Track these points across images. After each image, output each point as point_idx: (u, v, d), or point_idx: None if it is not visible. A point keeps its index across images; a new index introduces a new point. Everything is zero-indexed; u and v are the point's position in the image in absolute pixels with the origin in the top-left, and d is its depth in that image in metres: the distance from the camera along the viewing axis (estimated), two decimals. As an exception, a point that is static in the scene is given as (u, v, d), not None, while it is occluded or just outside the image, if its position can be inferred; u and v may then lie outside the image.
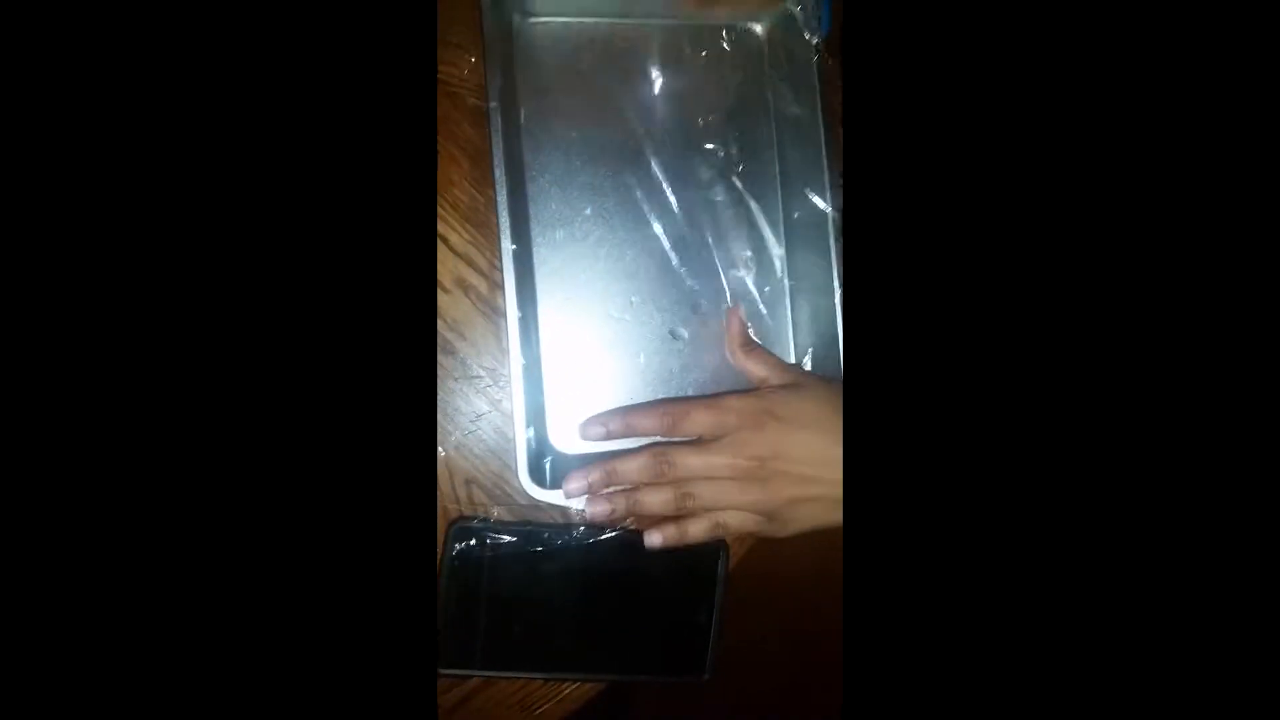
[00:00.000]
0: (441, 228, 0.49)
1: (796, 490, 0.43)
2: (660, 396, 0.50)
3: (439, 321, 0.48)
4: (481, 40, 0.47)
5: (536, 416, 0.47)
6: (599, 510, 0.44)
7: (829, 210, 0.48)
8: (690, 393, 0.51)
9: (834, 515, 0.43)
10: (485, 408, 0.49)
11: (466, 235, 0.49)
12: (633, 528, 0.48)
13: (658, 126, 0.51)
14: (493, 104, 0.45)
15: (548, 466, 0.47)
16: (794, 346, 0.53)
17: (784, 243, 0.53)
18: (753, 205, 0.52)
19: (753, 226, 0.52)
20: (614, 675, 0.49)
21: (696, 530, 0.44)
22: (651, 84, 0.51)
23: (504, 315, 0.48)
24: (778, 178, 0.53)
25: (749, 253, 0.52)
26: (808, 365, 0.51)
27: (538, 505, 0.48)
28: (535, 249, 0.49)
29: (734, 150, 0.52)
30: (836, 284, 0.48)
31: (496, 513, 0.48)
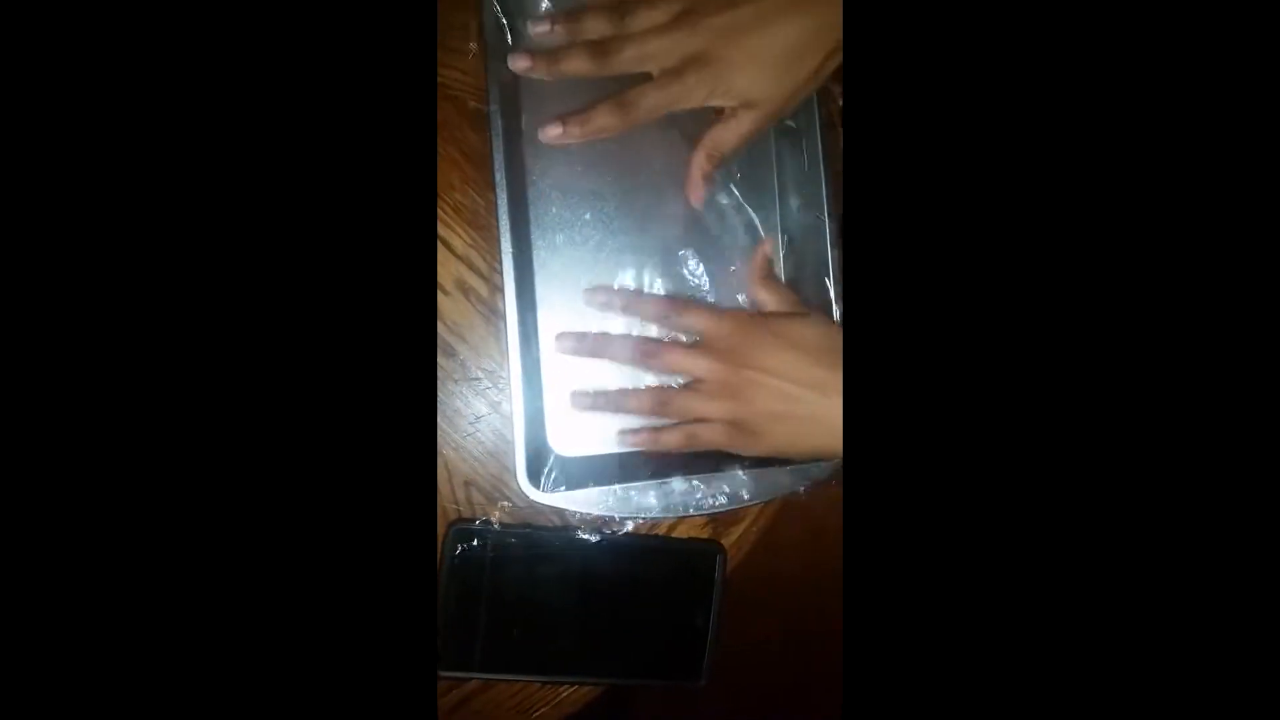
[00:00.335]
0: (444, 231, 0.49)
1: (773, 404, 0.43)
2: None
3: (439, 324, 0.48)
4: (483, 44, 0.47)
5: (535, 419, 0.47)
6: (581, 402, 0.46)
7: (825, 218, 0.48)
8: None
9: (809, 441, 0.43)
10: (484, 410, 0.49)
11: (468, 238, 0.49)
12: (623, 523, 0.48)
13: (658, 132, 0.51)
14: (493, 108, 0.46)
15: (547, 469, 0.47)
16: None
17: (783, 249, 0.53)
18: (751, 213, 0.52)
19: (750, 232, 0.52)
20: (611, 679, 0.49)
21: (670, 439, 0.45)
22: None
23: (504, 318, 0.48)
24: (775, 186, 0.53)
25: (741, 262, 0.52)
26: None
27: (537, 508, 0.48)
28: (536, 252, 0.49)
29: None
30: (832, 291, 0.48)
31: (496, 515, 0.48)
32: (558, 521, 0.49)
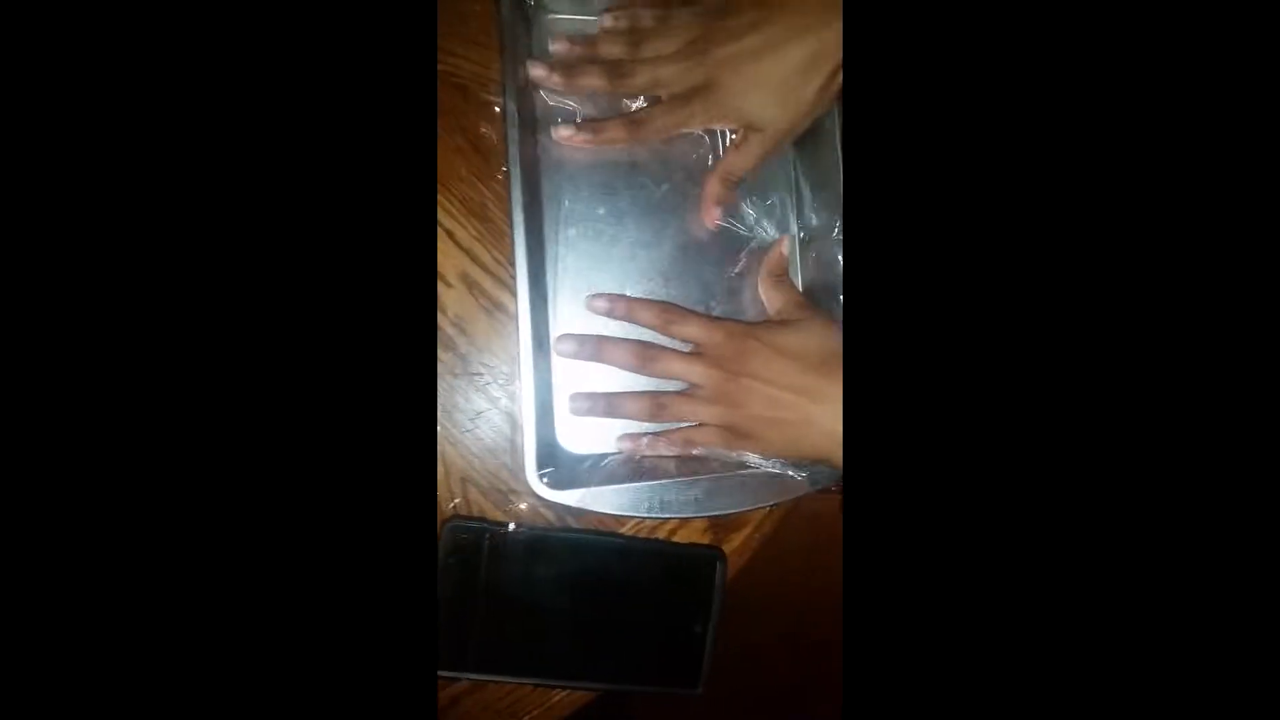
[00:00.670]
0: (448, 222, 0.48)
1: (765, 410, 0.44)
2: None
3: (440, 316, 0.48)
4: (499, 34, 0.47)
5: (543, 416, 0.46)
6: (579, 405, 0.47)
7: (838, 220, 0.48)
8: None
9: (801, 444, 0.44)
10: (484, 405, 0.48)
11: (473, 230, 0.48)
12: (623, 524, 0.48)
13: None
14: (509, 99, 0.45)
15: (553, 466, 0.46)
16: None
17: (798, 244, 0.52)
18: (765, 207, 0.51)
19: (767, 230, 0.51)
20: (605, 684, 0.48)
21: (666, 443, 0.46)
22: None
23: (508, 312, 0.48)
24: (794, 181, 0.52)
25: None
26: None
27: (536, 506, 0.47)
28: (547, 246, 0.49)
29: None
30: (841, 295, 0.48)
31: (493, 513, 0.47)
32: (556, 521, 0.48)
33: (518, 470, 0.45)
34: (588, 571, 0.46)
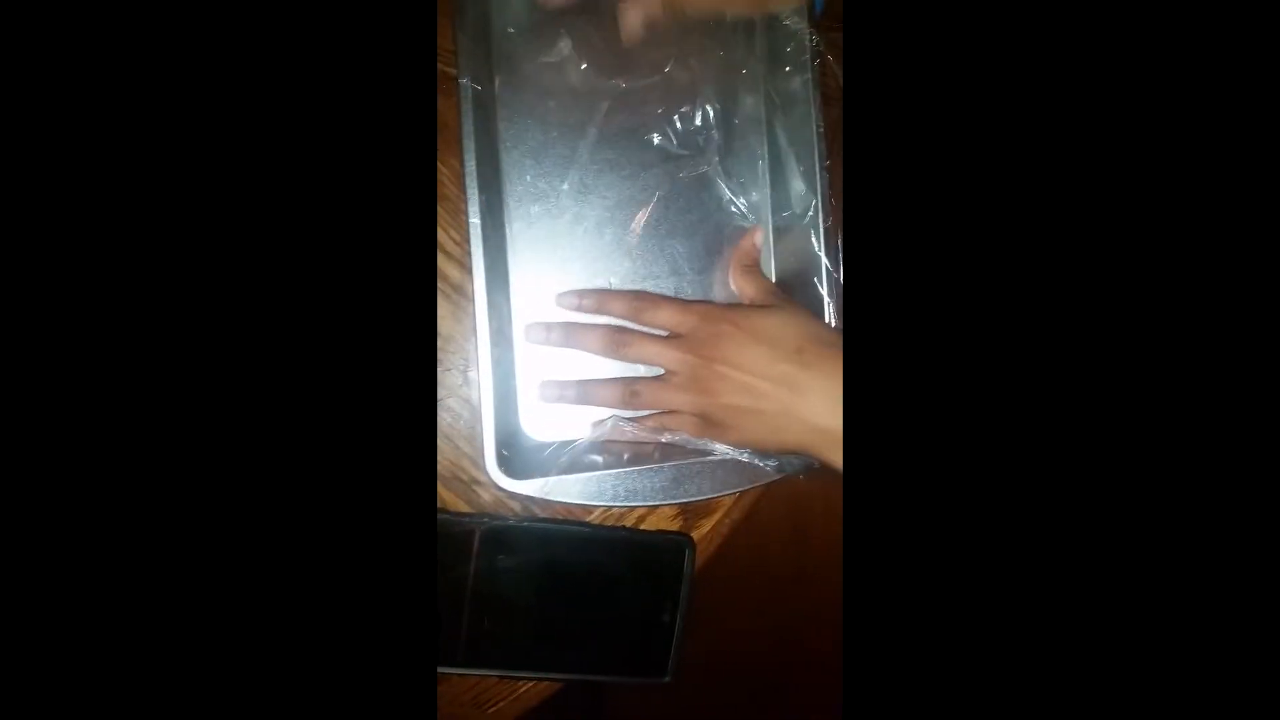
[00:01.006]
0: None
1: (737, 398, 0.42)
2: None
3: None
4: (452, 2, 0.44)
5: (504, 404, 0.45)
6: (549, 393, 0.46)
7: (816, 197, 0.46)
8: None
9: (778, 436, 0.43)
10: (441, 393, 0.46)
11: (431, 209, 0.46)
12: (590, 513, 0.46)
13: (641, 99, 0.48)
14: (463, 71, 0.43)
15: (515, 456, 0.45)
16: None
17: (770, 224, 0.50)
18: (736, 184, 0.49)
19: (736, 202, 0.49)
20: (573, 674, 0.47)
21: (639, 431, 0.45)
22: (636, 54, 0.48)
23: (467, 295, 0.46)
24: (765, 159, 0.50)
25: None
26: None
27: (500, 495, 0.46)
28: (508, 225, 0.47)
29: (719, 128, 0.49)
30: (824, 262, 0.46)
31: (456, 504, 0.46)
32: (520, 510, 0.46)
33: (479, 460, 0.44)
34: (554, 562, 0.45)
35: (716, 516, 0.48)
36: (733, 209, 0.49)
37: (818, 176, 0.46)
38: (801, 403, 0.41)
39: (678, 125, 0.48)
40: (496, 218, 0.46)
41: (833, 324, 0.46)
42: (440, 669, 0.45)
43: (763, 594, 0.60)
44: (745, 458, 0.43)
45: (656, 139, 0.48)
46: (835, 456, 0.40)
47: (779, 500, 0.48)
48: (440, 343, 0.46)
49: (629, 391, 0.45)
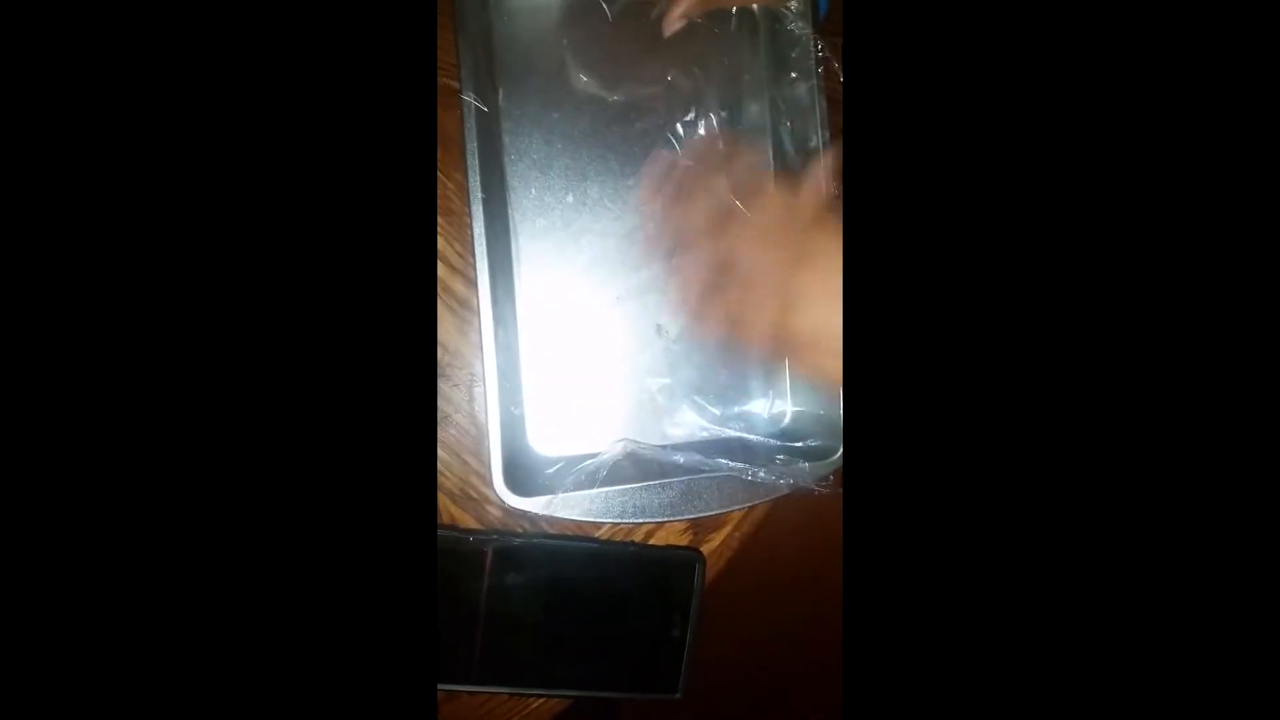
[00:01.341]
0: (409, 214, 0.46)
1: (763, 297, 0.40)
2: (645, 393, 0.48)
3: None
4: (454, 15, 0.44)
5: (511, 420, 0.45)
6: (649, 179, 0.45)
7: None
8: (677, 393, 0.48)
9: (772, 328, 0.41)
10: (448, 409, 0.46)
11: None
12: (599, 529, 0.46)
13: (646, 108, 0.48)
14: (467, 83, 0.42)
15: (522, 472, 0.44)
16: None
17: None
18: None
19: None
20: (583, 691, 0.46)
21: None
22: (639, 63, 0.48)
23: (473, 309, 0.45)
24: (771, 165, 0.50)
25: None
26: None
27: (509, 512, 0.45)
28: (513, 238, 0.46)
29: (723, 135, 0.49)
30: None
31: (465, 521, 0.46)
32: (529, 527, 0.46)
33: (487, 476, 0.43)
34: (565, 579, 0.45)
35: (726, 531, 0.48)
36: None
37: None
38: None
39: (681, 133, 0.48)
40: (501, 231, 0.45)
41: None
42: (452, 686, 0.44)
43: (772, 608, 0.59)
44: (750, 476, 0.43)
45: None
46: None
47: (788, 514, 0.47)
48: (447, 357, 0.46)
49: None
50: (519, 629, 0.45)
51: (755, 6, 0.48)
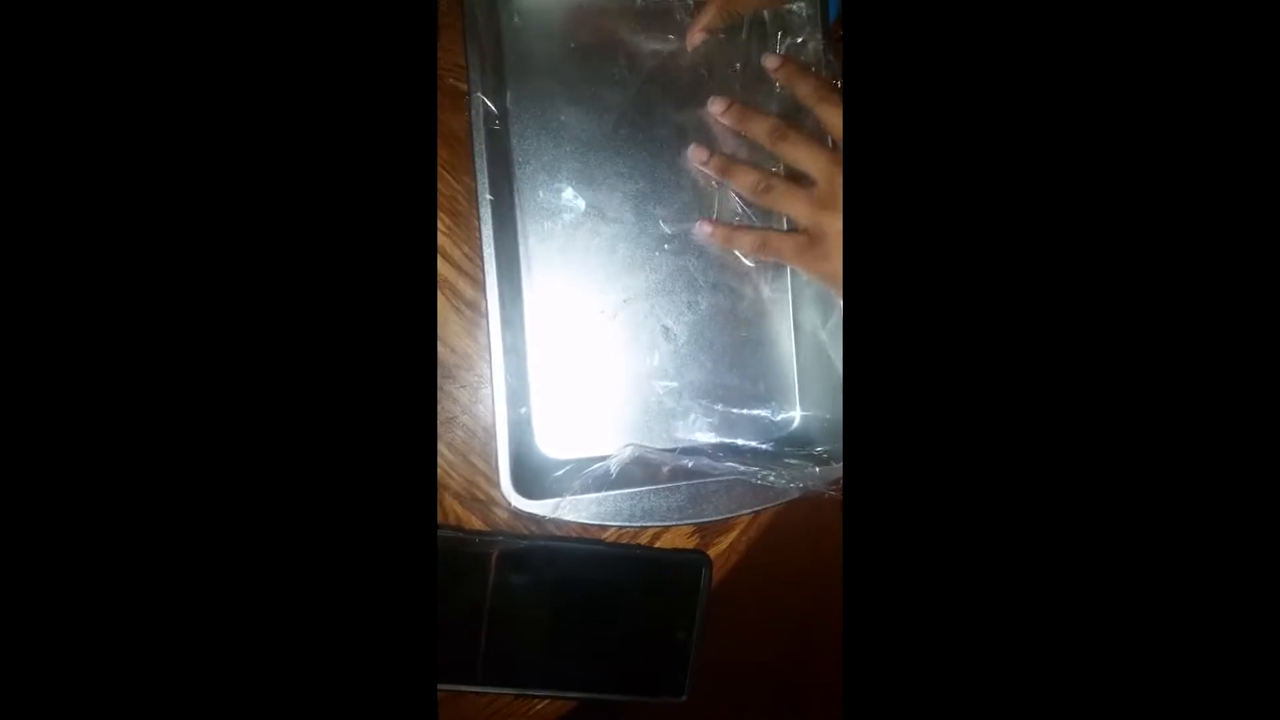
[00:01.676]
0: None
1: None
2: (653, 396, 0.48)
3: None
4: (463, 17, 0.44)
5: (518, 421, 0.45)
6: (699, 154, 0.47)
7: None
8: (685, 396, 0.48)
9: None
10: (456, 411, 0.46)
11: (442, 227, 0.46)
12: (605, 531, 0.46)
13: (654, 112, 0.48)
14: (475, 86, 0.42)
15: (529, 474, 0.44)
16: (794, 327, 0.50)
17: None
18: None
19: (750, 211, 0.49)
20: (589, 693, 0.46)
21: (743, 240, 0.47)
22: (647, 66, 0.48)
23: (480, 311, 0.46)
24: (779, 167, 0.49)
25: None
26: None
27: (516, 514, 0.45)
28: (521, 241, 0.46)
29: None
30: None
31: (472, 523, 0.46)
32: (536, 529, 0.46)
33: (494, 478, 0.43)
34: (571, 581, 0.45)
35: (733, 535, 0.48)
36: (748, 218, 0.48)
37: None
38: None
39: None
40: (509, 234, 0.45)
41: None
42: (457, 687, 0.44)
43: (778, 612, 0.59)
44: (759, 480, 0.43)
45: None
46: None
47: (796, 518, 0.47)
48: (455, 359, 0.46)
49: (764, 184, 0.46)
50: (524, 630, 0.45)
51: (766, 13, 0.47)
